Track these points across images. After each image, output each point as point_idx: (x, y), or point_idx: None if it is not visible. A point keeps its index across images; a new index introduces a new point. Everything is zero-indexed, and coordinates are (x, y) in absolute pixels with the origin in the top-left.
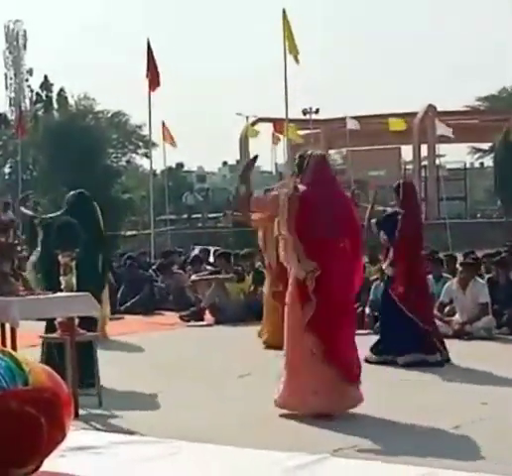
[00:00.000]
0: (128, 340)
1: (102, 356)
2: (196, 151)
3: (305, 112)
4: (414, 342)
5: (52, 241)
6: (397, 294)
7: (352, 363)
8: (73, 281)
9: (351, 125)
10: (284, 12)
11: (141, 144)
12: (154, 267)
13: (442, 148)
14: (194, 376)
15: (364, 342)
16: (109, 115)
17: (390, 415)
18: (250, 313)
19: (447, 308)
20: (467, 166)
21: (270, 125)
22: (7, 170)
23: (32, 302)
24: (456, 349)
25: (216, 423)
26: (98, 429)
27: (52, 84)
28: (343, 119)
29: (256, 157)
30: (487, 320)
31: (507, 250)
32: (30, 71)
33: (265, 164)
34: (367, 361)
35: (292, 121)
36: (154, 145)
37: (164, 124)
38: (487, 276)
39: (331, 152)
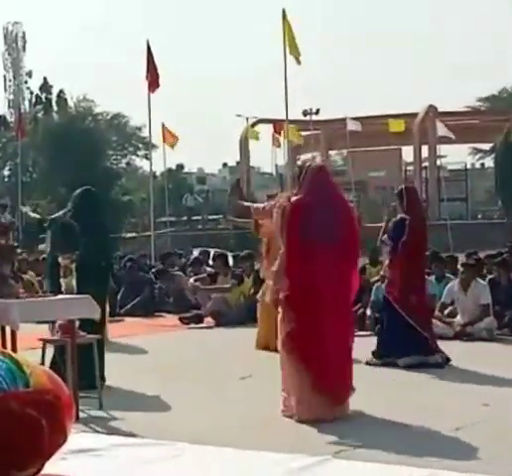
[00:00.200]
0: (128, 342)
1: None
2: (196, 152)
3: (305, 113)
4: (414, 344)
5: (52, 243)
6: (393, 297)
7: (340, 386)
8: (73, 283)
9: (352, 126)
10: (284, 12)
11: (141, 146)
12: (153, 270)
13: (442, 149)
14: (195, 378)
15: (365, 344)
16: (109, 117)
17: (391, 416)
18: (250, 316)
19: (448, 309)
20: (468, 166)
21: (270, 126)
22: (6, 172)
23: (32, 305)
24: (458, 350)
25: (217, 425)
26: (99, 432)
27: (51, 86)
28: (344, 120)
29: (238, 181)
30: (489, 321)
31: (508, 251)
32: (29, 73)
33: (265, 165)
34: (368, 364)
35: (292, 122)
36: (154, 146)
37: (164, 125)
38: (489, 277)
39: (332, 153)
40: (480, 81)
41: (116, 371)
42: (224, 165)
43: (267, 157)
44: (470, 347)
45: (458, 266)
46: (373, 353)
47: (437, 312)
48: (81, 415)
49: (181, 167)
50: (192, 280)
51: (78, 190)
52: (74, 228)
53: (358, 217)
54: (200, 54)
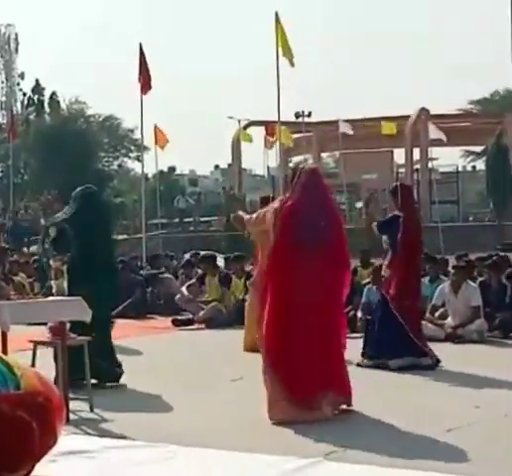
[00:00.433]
0: (120, 344)
1: None
2: (188, 154)
3: (297, 115)
4: (405, 346)
5: (51, 244)
6: (390, 296)
7: (310, 391)
8: (65, 285)
9: (344, 129)
10: (277, 15)
11: (133, 148)
12: (143, 274)
13: (434, 151)
14: (187, 380)
15: (357, 346)
16: (101, 119)
17: (382, 418)
18: (242, 318)
19: (439, 311)
20: (460, 169)
21: (262, 128)
22: None
23: (23, 307)
24: (449, 352)
25: (209, 428)
26: (90, 434)
27: (43, 88)
28: (336, 122)
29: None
30: (479, 324)
31: (496, 254)
32: (21, 75)
33: (257, 167)
34: (359, 365)
35: (284, 124)
36: (146, 148)
37: (156, 127)
38: (480, 279)
39: (324, 155)
40: (472, 84)
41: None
42: (216, 167)
43: (259, 159)
44: (461, 349)
45: (449, 268)
46: (363, 354)
47: (427, 314)
48: (72, 416)
49: (172, 169)
50: (183, 289)
51: (80, 190)
52: (65, 231)
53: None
54: (193, 56)
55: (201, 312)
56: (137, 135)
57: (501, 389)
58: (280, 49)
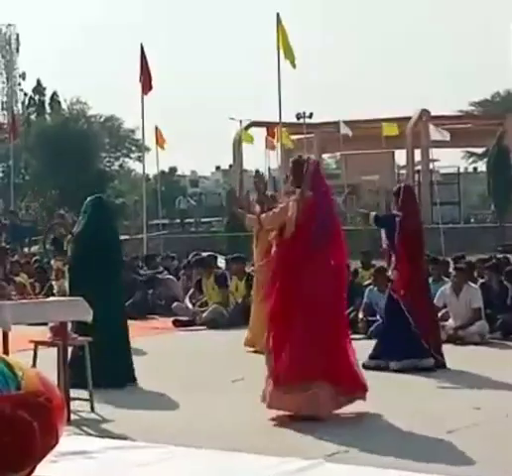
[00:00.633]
0: None
1: None
2: (189, 155)
3: (298, 116)
4: (408, 347)
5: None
6: (399, 296)
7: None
8: (66, 285)
9: (344, 130)
10: (278, 16)
11: (134, 148)
12: (142, 277)
13: (435, 152)
14: (187, 381)
15: (358, 347)
16: (102, 119)
17: (384, 420)
18: (244, 318)
19: (440, 313)
20: (461, 170)
21: (263, 129)
22: None
23: (24, 307)
24: (450, 354)
25: (210, 429)
26: (91, 434)
27: (44, 88)
28: (337, 123)
29: (231, 191)
30: (481, 325)
31: (495, 256)
32: (22, 75)
33: (258, 168)
34: (364, 366)
35: (285, 125)
36: (147, 149)
37: (157, 128)
38: (481, 281)
39: (325, 156)
40: (473, 85)
41: None
42: (217, 168)
43: (260, 160)
44: (462, 351)
45: (450, 270)
46: (370, 355)
47: None
48: (73, 417)
49: (174, 169)
50: (187, 301)
51: (90, 200)
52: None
53: None
54: (194, 56)
55: (204, 314)
56: (138, 135)
57: (502, 390)
58: (281, 50)
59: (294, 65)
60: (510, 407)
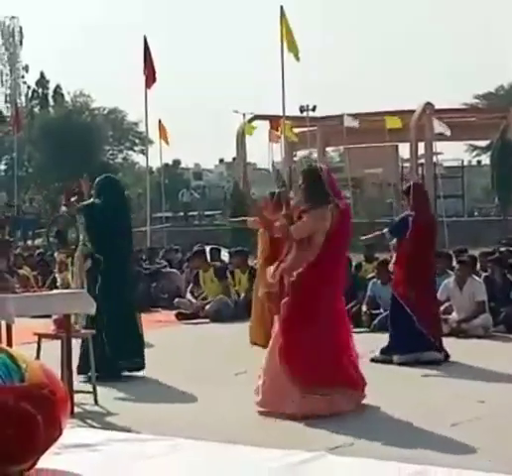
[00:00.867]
0: None
1: None
2: (193, 148)
3: (302, 110)
4: (413, 340)
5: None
6: (398, 293)
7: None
8: (69, 278)
9: (350, 123)
10: (282, 9)
11: (137, 141)
12: (145, 264)
13: (439, 146)
14: (191, 374)
15: (361, 340)
16: (105, 112)
17: (386, 412)
18: (248, 312)
19: (443, 306)
20: (465, 163)
21: (267, 122)
22: (3, 166)
23: (27, 299)
24: (453, 347)
25: (213, 421)
26: (94, 427)
27: (48, 81)
28: (341, 116)
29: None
30: (484, 318)
31: (498, 249)
32: (26, 68)
33: (261, 161)
34: (372, 360)
35: (289, 118)
36: (150, 142)
37: (160, 121)
38: (484, 274)
39: (328, 149)
40: (477, 79)
41: None
42: (221, 160)
43: (263, 153)
44: (466, 344)
45: (454, 263)
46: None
47: None
48: (77, 409)
49: (177, 162)
50: (189, 295)
51: (103, 179)
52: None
53: None
54: (198, 49)
55: (208, 306)
56: (141, 128)
57: (506, 383)
58: (285, 43)
59: (297, 58)
60: None
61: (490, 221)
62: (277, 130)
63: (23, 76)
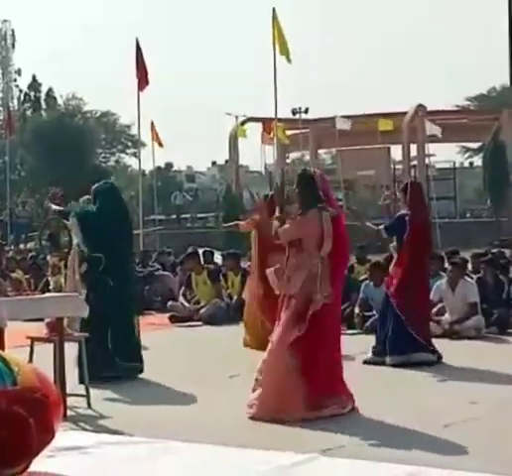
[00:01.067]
0: None
1: None
2: (185, 150)
3: (294, 112)
4: (403, 342)
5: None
6: (391, 293)
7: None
8: (62, 281)
9: (342, 125)
10: (274, 11)
11: (130, 144)
12: (138, 268)
13: (431, 147)
14: (184, 376)
15: (354, 342)
16: (98, 115)
17: (379, 414)
18: (241, 314)
19: (436, 308)
20: (457, 165)
21: (259, 125)
22: None
23: (20, 303)
24: (446, 348)
25: (206, 424)
26: (87, 430)
27: (40, 84)
28: (333, 119)
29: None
30: (477, 320)
31: (492, 249)
32: (18, 71)
33: (254, 164)
34: (365, 362)
35: (281, 121)
36: (143, 145)
37: (153, 124)
38: (477, 275)
39: (321, 151)
40: (469, 80)
41: None
42: (213, 163)
43: (256, 155)
44: (458, 345)
45: (446, 264)
46: (372, 350)
47: None
48: (69, 412)
49: (170, 165)
50: (181, 299)
51: (101, 185)
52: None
53: None
54: (190, 52)
55: (202, 310)
56: (134, 131)
57: (498, 384)
58: (277, 46)
59: (289, 60)
60: (506, 401)
61: (482, 223)
62: (269, 132)
63: (15, 80)
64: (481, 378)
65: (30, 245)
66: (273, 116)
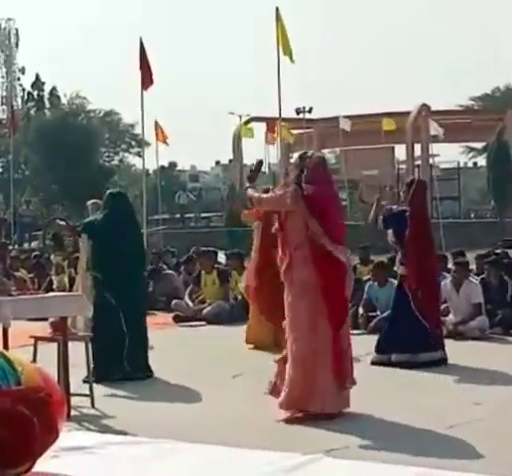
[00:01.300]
0: None
1: None
2: (189, 150)
3: (298, 111)
4: (412, 341)
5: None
6: (411, 291)
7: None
8: (66, 280)
9: (344, 125)
10: (277, 11)
11: (133, 143)
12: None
13: (435, 147)
14: (187, 376)
15: (358, 342)
16: (101, 114)
17: (383, 414)
18: (246, 314)
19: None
20: (461, 165)
21: (263, 124)
22: None
23: (24, 302)
24: (450, 349)
25: (210, 424)
26: (91, 430)
27: (43, 83)
28: (337, 118)
29: (261, 162)
30: (481, 320)
31: (492, 251)
32: (22, 70)
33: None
34: (372, 363)
35: (285, 120)
36: (146, 144)
37: (157, 123)
38: (480, 276)
39: (325, 151)
40: (473, 80)
41: None
42: (217, 163)
43: (260, 155)
44: (463, 346)
45: (449, 265)
46: (376, 349)
47: None
48: (73, 412)
49: (173, 164)
50: (186, 298)
51: (111, 194)
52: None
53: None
54: (194, 51)
55: (205, 310)
56: (138, 130)
57: (502, 385)
58: (280, 46)
59: (292, 61)
60: (510, 402)
61: (486, 223)
62: (273, 132)
63: (19, 79)
64: (485, 379)
65: (34, 244)
66: (277, 115)
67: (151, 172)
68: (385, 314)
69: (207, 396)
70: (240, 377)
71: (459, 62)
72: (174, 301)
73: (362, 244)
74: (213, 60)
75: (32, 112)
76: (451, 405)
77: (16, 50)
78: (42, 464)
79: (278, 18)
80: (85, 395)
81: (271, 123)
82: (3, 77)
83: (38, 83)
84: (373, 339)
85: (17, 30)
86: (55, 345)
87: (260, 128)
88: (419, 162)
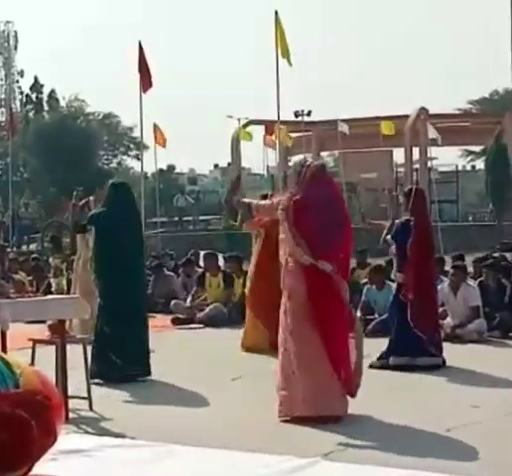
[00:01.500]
0: None
1: None
2: (188, 153)
3: (296, 114)
4: (409, 345)
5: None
6: (407, 299)
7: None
8: (64, 283)
9: (342, 128)
10: (276, 14)
11: (132, 146)
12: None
13: (433, 151)
14: (186, 379)
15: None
16: (100, 117)
17: (381, 417)
18: (241, 317)
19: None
20: (459, 168)
21: (261, 127)
22: None
23: (22, 305)
24: (448, 352)
25: (208, 427)
26: (89, 433)
27: (42, 86)
28: (335, 121)
29: (239, 177)
30: (479, 323)
31: (490, 254)
32: (21, 73)
33: (256, 166)
34: (371, 366)
35: (283, 123)
36: (145, 147)
37: (156, 126)
38: (479, 279)
39: (323, 154)
40: (472, 84)
41: None
42: (216, 166)
43: (258, 158)
44: (460, 349)
45: (446, 268)
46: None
47: None
48: (71, 415)
49: (172, 167)
50: (188, 302)
51: (113, 185)
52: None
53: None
54: (192, 54)
55: (203, 313)
56: (136, 133)
57: (501, 388)
58: (279, 49)
59: (290, 64)
60: (509, 404)
61: (484, 226)
62: (272, 135)
63: (18, 81)
64: (483, 382)
65: (32, 246)
66: (275, 118)
67: (149, 174)
68: (383, 317)
69: (206, 398)
70: (239, 380)
71: (458, 66)
72: (173, 302)
73: (360, 248)
74: (212, 63)
75: (30, 115)
76: (450, 407)
77: (15, 52)
78: (40, 467)
79: (277, 21)
80: (83, 397)
81: (269, 126)
82: (2, 80)
83: (36, 86)
84: (370, 342)
85: (16, 32)
86: (53, 348)
87: (258, 131)
88: (417, 165)
